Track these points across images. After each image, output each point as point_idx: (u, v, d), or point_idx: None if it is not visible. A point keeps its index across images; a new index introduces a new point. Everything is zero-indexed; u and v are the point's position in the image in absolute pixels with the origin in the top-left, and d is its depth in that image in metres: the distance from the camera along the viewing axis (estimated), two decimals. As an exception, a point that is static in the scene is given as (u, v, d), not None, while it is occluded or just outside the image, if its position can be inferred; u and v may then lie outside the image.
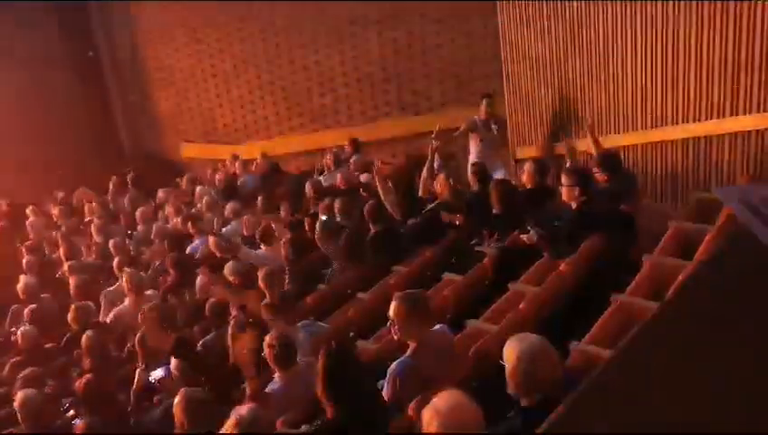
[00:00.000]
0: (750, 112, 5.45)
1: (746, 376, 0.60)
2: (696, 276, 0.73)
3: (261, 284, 5.33)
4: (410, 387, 3.48)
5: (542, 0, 7.42)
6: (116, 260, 7.42)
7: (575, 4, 6.99)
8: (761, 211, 0.77)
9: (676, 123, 6.14)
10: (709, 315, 0.68)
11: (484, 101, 7.98)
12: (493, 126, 7.96)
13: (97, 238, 8.88)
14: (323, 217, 6.78)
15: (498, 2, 8.10)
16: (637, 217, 5.14)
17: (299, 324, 4.74)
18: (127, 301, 6.34)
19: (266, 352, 3.98)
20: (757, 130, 5.45)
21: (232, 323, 4.59)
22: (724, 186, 5.51)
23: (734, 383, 0.61)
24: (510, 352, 2.86)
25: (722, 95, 5.65)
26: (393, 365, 3.61)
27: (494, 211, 5.78)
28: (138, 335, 5.09)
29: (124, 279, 6.39)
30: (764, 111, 5.34)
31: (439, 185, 6.70)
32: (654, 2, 6.09)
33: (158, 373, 4.78)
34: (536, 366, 2.80)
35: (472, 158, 7.87)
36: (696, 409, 0.57)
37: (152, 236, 8.58)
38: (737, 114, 5.57)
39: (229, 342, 4.38)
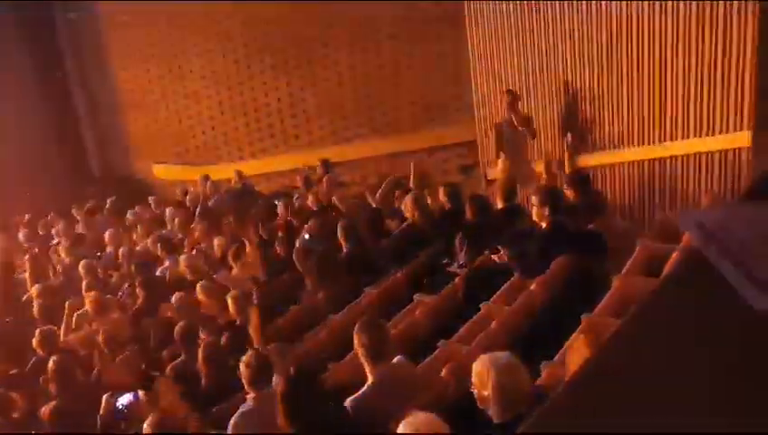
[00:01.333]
0: (716, 133, 5.58)
1: (702, 393, 0.61)
2: (652, 298, 0.74)
3: (230, 307, 5.28)
4: (367, 422, 3.46)
5: (512, 21, 7.54)
6: (84, 282, 7.31)
7: (543, 25, 7.11)
8: (716, 236, 0.78)
9: (645, 144, 6.26)
10: (663, 336, 0.70)
11: (506, 97, 7.05)
12: (517, 126, 7.00)
13: (65, 259, 8.75)
14: (305, 237, 6.76)
15: (468, 25, 8.20)
16: (606, 236, 5.20)
17: (270, 347, 4.70)
18: (94, 324, 6.23)
19: (242, 371, 3.93)
20: (722, 151, 5.58)
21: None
22: (686, 208, 5.61)
23: (692, 399, 0.62)
24: (481, 371, 2.86)
25: (690, 116, 5.79)
26: (348, 400, 3.57)
27: (466, 226, 5.78)
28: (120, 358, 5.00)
29: (89, 302, 6.30)
30: (728, 132, 5.48)
31: (407, 206, 6.70)
32: (625, 23, 6.22)
33: (126, 398, 4.70)
34: (508, 383, 2.81)
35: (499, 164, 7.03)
36: (657, 418, 0.58)
37: (120, 259, 8.47)
38: (705, 135, 5.71)
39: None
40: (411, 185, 7.05)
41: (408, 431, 2.51)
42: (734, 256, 0.75)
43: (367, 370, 3.67)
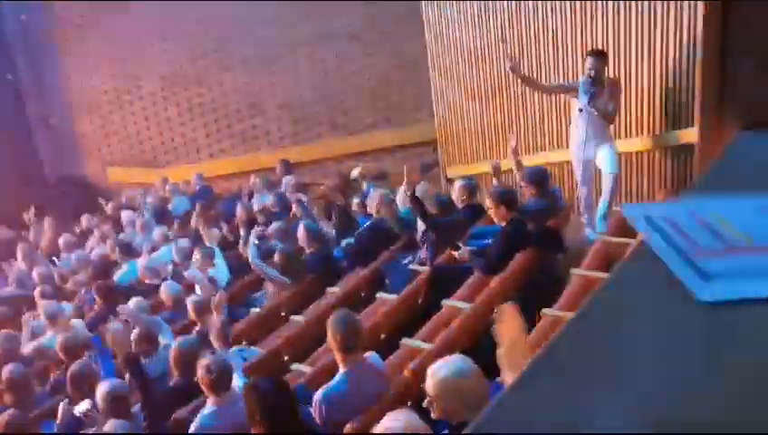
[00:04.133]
0: (666, 129, 5.73)
1: (649, 389, 0.63)
2: (601, 292, 0.76)
3: (191, 313, 5.23)
4: (337, 414, 3.47)
5: (468, 21, 7.60)
6: (38, 290, 7.15)
7: (499, 23, 7.19)
8: (661, 228, 0.81)
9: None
10: (613, 330, 0.71)
11: (589, 59, 5.69)
12: (597, 90, 5.66)
13: (21, 266, 8.56)
14: (255, 241, 6.71)
15: (425, 24, 8.24)
16: (564, 232, 5.29)
17: (231, 349, 4.67)
18: (49, 333, 6.10)
19: (201, 376, 3.89)
20: (672, 147, 5.72)
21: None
22: (634, 203, 5.72)
23: (642, 395, 0.63)
24: (436, 378, 2.80)
25: (647, 113, 5.93)
26: (319, 392, 3.58)
27: (429, 223, 5.81)
28: (72, 370, 4.87)
29: (41, 311, 6.17)
30: (681, 128, 5.61)
31: (374, 203, 6.70)
32: (582, 23, 6.33)
33: (83, 406, 4.60)
34: (464, 387, 2.76)
35: (572, 137, 5.98)
36: (606, 411, 0.60)
37: (75, 265, 8.30)
38: (662, 131, 5.84)
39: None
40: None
41: (393, 426, 2.50)
42: (679, 248, 0.78)
43: (338, 361, 3.68)
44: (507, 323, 2.25)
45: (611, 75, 5.94)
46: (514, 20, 7.01)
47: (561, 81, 6.51)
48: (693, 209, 0.88)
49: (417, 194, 5.88)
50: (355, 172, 8.47)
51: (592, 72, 5.63)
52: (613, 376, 0.65)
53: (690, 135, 5.41)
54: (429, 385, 2.81)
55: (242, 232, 7.59)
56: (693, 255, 0.76)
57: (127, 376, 4.60)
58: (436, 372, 2.81)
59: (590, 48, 6.05)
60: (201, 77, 11.43)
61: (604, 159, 5.78)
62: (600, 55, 5.75)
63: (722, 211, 0.86)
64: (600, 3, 6.13)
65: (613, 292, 0.81)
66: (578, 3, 6.30)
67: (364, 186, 7.93)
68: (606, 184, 5.81)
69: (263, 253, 6.53)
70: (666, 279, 0.73)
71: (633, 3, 5.84)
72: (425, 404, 2.85)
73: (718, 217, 0.84)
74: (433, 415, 2.85)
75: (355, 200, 7.39)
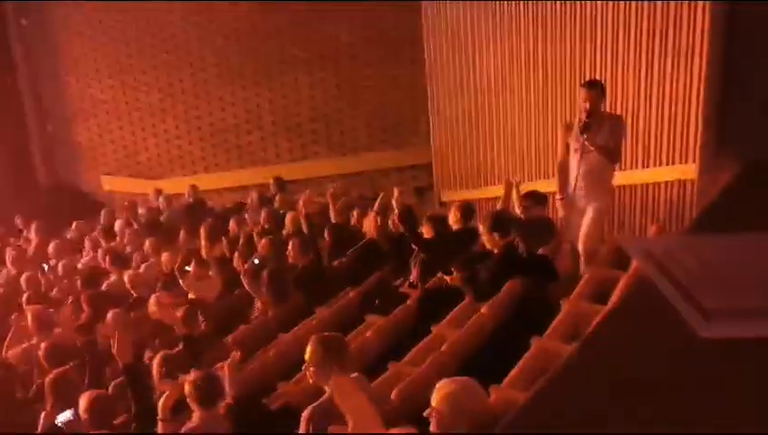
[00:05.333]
0: (668, 164, 5.76)
1: (652, 419, 0.63)
2: (607, 323, 0.76)
3: (178, 325, 5.20)
4: (323, 432, 3.44)
5: (468, 48, 7.67)
6: (25, 295, 7.09)
7: (500, 52, 7.25)
8: (663, 265, 0.81)
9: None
10: (618, 361, 0.71)
11: (582, 91, 5.12)
12: (593, 125, 5.02)
13: (11, 270, 8.50)
14: (255, 261, 6.68)
15: (426, 48, 8.31)
16: (556, 261, 5.29)
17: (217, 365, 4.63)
18: (35, 339, 6.04)
19: (188, 390, 3.85)
20: (669, 182, 5.75)
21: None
22: (631, 236, 5.74)
23: (640, 423, 0.63)
24: (443, 392, 2.88)
25: (639, 147, 5.97)
26: (307, 411, 3.55)
27: (420, 247, 5.81)
28: (49, 378, 4.82)
29: (29, 316, 6.11)
30: (675, 163, 5.65)
31: (369, 224, 6.70)
32: (580, 55, 6.39)
33: (65, 416, 4.55)
34: (467, 406, 2.83)
35: (571, 179, 5.30)
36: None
37: (63, 272, 8.24)
38: (656, 165, 5.88)
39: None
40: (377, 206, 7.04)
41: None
42: (681, 285, 0.78)
43: (323, 381, 3.64)
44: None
45: (611, 110, 5.75)
46: (513, 48, 7.07)
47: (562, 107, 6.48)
48: (696, 248, 0.88)
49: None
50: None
51: (587, 105, 5.04)
52: (615, 407, 0.65)
53: (685, 171, 5.45)
54: (435, 398, 2.88)
55: (233, 247, 7.55)
56: (694, 291, 0.76)
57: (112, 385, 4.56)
58: (445, 386, 2.89)
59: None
60: (199, 90, 11.46)
61: (585, 223, 5.27)
62: (594, 86, 5.17)
63: (722, 249, 0.87)
64: (599, 40, 6.20)
65: (615, 323, 0.81)
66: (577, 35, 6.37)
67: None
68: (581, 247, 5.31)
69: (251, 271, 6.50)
70: (666, 314, 0.74)
71: (634, 34, 5.89)
72: (425, 413, 2.90)
73: (718, 255, 0.85)
74: (431, 427, 2.89)
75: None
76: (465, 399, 2.84)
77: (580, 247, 5.19)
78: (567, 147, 5.25)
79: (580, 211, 5.29)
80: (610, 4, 6.03)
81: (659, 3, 5.57)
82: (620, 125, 5.28)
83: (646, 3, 5.70)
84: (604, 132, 5.07)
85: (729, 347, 0.72)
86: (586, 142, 5.01)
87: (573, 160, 5.20)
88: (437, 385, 2.94)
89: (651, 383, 0.69)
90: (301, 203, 7.38)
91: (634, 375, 0.71)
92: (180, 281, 6.72)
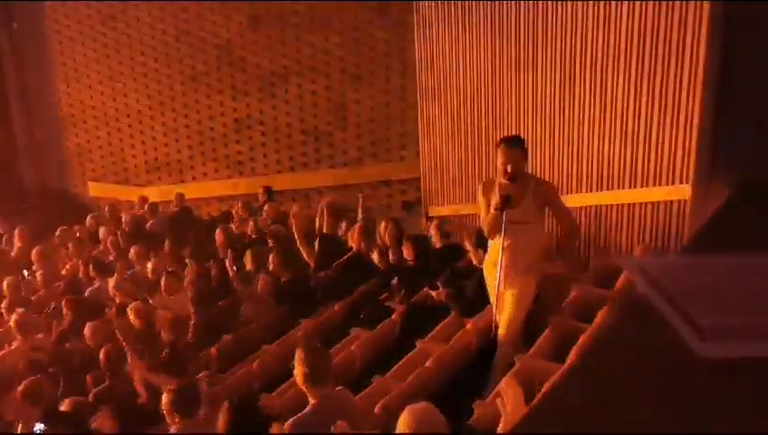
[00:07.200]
0: (655, 185, 5.77)
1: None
2: (601, 341, 0.76)
3: (164, 333, 5.16)
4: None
5: (459, 63, 7.70)
6: (6, 300, 7.01)
7: (490, 69, 7.29)
8: (659, 283, 0.81)
9: (581, 191, 6.43)
10: (611, 379, 0.71)
11: (499, 150, 4.13)
12: (514, 192, 4.09)
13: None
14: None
15: (417, 62, 8.35)
16: (542, 279, 5.29)
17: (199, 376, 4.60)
18: (15, 344, 5.96)
19: (166, 401, 3.81)
20: (663, 202, 5.77)
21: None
22: (624, 255, 5.75)
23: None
24: (401, 421, 2.88)
25: (633, 167, 5.98)
26: (289, 422, 3.53)
27: (406, 265, 5.84)
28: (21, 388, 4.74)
29: (12, 321, 6.04)
30: (669, 184, 5.67)
31: (354, 237, 6.69)
32: (567, 71, 6.42)
33: (40, 427, 4.48)
34: (426, 431, 2.81)
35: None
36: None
37: (46, 277, 8.15)
38: (642, 186, 5.90)
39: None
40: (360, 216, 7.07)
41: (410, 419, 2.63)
42: (677, 304, 0.78)
43: (308, 394, 3.62)
44: (509, 395, 2.48)
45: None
46: (502, 68, 7.11)
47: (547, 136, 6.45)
48: (692, 268, 0.88)
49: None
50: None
51: (509, 167, 4.03)
52: (610, 426, 0.64)
53: (678, 192, 5.46)
54: (398, 424, 2.87)
55: (219, 257, 7.52)
56: (691, 312, 0.77)
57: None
58: (406, 413, 2.87)
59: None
60: (189, 99, 11.45)
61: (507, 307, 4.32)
62: (514, 143, 4.11)
63: (718, 268, 0.87)
64: (597, 59, 6.22)
65: (611, 343, 0.81)
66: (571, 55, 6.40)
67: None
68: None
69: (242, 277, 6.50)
70: (660, 332, 0.74)
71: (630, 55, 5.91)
72: None
73: (714, 274, 0.85)
74: None
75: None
76: (426, 425, 2.82)
77: (500, 332, 4.32)
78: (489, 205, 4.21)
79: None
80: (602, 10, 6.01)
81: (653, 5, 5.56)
82: (551, 194, 4.25)
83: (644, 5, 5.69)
84: (528, 202, 4.11)
85: (726, 365, 0.72)
86: (503, 217, 4.03)
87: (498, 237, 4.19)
88: (406, 408, 2.92)
89: (646, 399, 0.68)
90: (291, 215, 7.38)
91: (628, 397, 0.70)
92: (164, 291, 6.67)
